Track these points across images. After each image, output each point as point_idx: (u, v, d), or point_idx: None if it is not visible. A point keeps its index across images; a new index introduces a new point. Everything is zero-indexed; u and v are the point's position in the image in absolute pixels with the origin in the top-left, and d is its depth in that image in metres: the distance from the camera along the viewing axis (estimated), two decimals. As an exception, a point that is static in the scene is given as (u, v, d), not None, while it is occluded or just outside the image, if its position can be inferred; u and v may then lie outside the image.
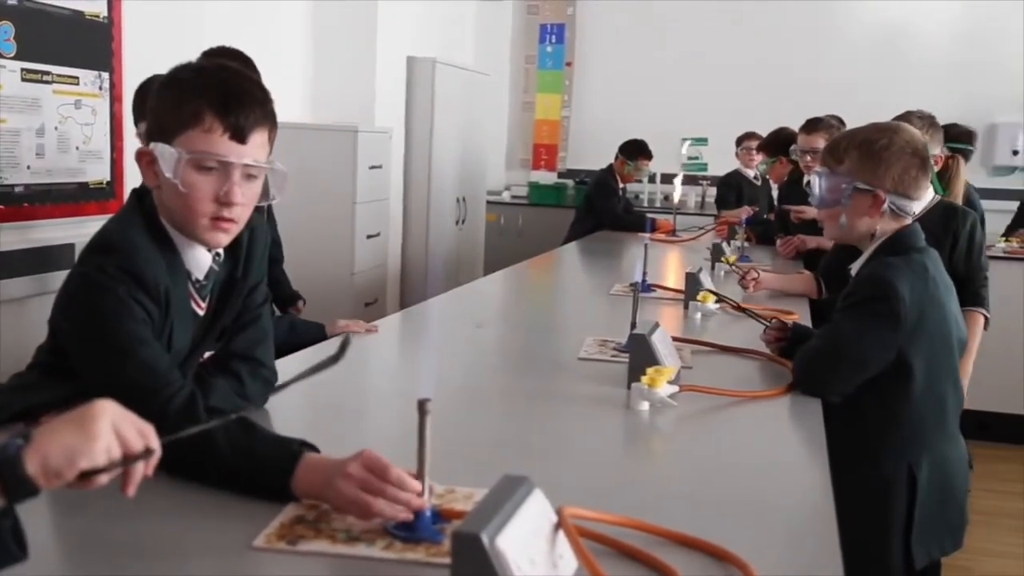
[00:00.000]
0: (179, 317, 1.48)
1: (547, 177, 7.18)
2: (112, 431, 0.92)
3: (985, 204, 3.71)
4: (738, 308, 2.70)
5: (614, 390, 1.91)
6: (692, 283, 2.87)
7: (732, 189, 5.63)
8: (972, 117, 5.43)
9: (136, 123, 2.63)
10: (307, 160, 4.01)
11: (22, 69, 2.69)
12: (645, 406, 1.79)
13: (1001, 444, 4.92)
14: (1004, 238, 5.30)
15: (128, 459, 0.93)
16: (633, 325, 2.16)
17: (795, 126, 4.20)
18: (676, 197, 5.11)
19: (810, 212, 3.85)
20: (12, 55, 2.66)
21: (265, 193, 1.48)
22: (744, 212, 5.09)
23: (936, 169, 2.83)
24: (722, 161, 6.08)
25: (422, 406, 1.06)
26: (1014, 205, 5.65)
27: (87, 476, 0.90)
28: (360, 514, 1.15)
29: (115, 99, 3.06)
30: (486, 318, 2.91)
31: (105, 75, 3.02)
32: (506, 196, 7.08)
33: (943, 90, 6.10)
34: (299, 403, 1.81)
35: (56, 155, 2.85)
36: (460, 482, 1.30)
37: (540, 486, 1.04)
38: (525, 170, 7.30)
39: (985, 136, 6.21)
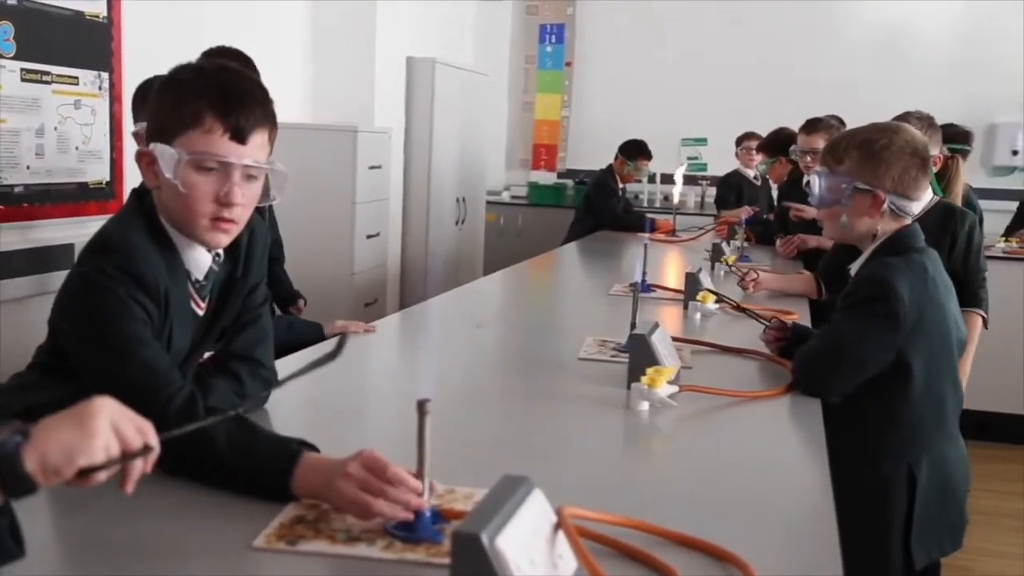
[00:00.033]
0: (179, 317, 1.48)
1: (547, 177, 7.19)
2: (111, 428, 0.92)
3: (985, 204, 3.72)
4: (738, 308, 2.70)
5: (614, 390, 1.91)
6: (692, 283, 2.87)
7: (732, 189, 5.64)
8: (972, 117, 5.44)
9: (135, 123, 2.63)
10: (307, 160, 4.02)
11: (22, 69, 2.69)
12: (645, 406, 1.79)
13: (1001, 444, 4.92)
14: (1004, 238, 5.30)
15: (127, 456, 0.93)
16: (633, 325, 2.16)
17: (795, 126, 4.21)
18: (676, 197, 5.11)
19: (810, 212, 3.85)
20: (12, 55, 2.66)
21: (265, 194, 1.48)
22: (744, 212, 5.09)
23: (935, 170, 2.83)
24: (722, 161, 6.08)
25: (422, 406, 1.06)
26: (1014, 205, 5.65)
27: (86, 473, 0.90)
28: (360, 514, 1.15)
29: (115, 99, 3.06)
30: (486, 318, 2.91)
31: (105, 75, 3.02)
32: (506, 196, 7.09)
33: (943, 90, 6.11)
34: (299, 403, 1.81)
35: (56, 155, 2.85)
36: (460, 482, 1.30)
37: (540, 486, 1.04)
38: (525, 170, 7.30)
39: (985, 136, 6.22)
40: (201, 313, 1.55)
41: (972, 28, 6.36)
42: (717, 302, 2.81)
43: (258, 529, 1.15)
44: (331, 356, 1.11)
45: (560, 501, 1.06)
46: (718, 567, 1.11)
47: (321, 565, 1.09)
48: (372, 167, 4.49)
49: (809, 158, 3.89)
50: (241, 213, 1.44)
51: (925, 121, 3.05)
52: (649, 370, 1.80)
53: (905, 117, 2.95)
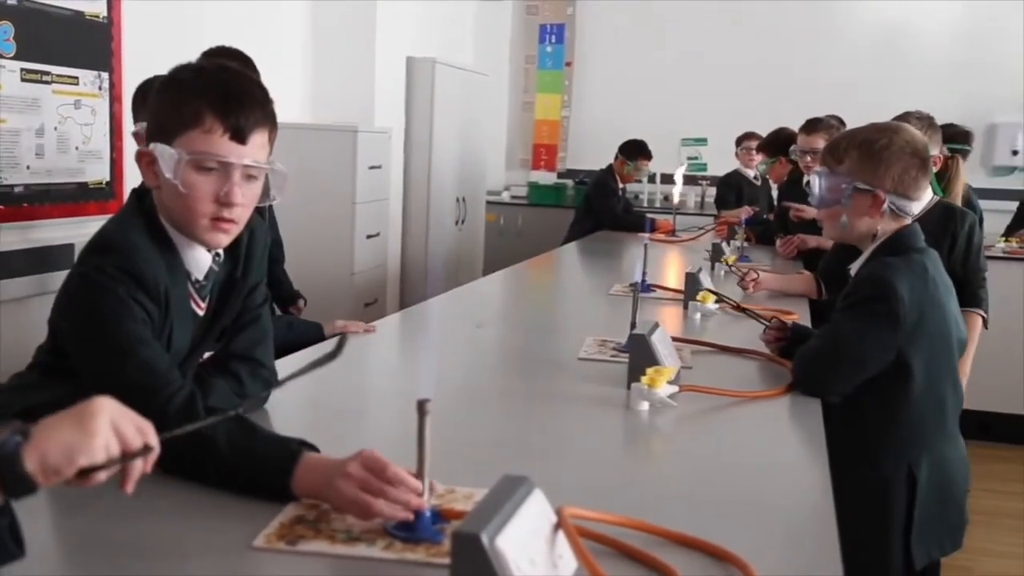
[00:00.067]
0: (179, 317, 1.48)
1: (547, 177, 7.19)
2: (111, 428, 0.92)
3: (985, 204, 3.72)
4: (738, 308, 2.70)
5: (614, 390, 1.91)
6: (692, 283, 2.87)
7: (732, 189, 5.64)
8: (972, 117, 5.44)
9: (135, 123, 2.63)
10: (307, 160, 4.02)
11: (22, 69, 2.69)
12: (645, 406, 1.79)
13: (1001, 444, 4.92)
14: (1004, 238, 5.30)
15: (127, 456, 0.93)
16: (633, 325, 2.16)
17: (795, 126, 4.21)
18: (676, 197, 5.11)
19: (810, 212, 3.85)
20: (12, 55, 2.66)
21: (265, 194, 1.48)
22: (744, 212, 5.09)
23: (935, 170, 2.83)
24: (722, 161, 6.08)
25: (422, 406, 1.06)
26: (1014, 205, 5.64)
27: (86, 473, 0.90)
28: (360, 514, 1.15)
29: (115, 99, 3.06)
30: (486, 318, 2.91)
31: (105, 75, 3.02)
32: (506, 196, 7.09)
33: (943, 90, 6.11)
34: (299, 403, 1.81)
35: (56, 155, 2.85)
36: (460, 482, 1.30)
37: (540, 486, 1.04)
38: (525, 170, 7.31)
39: (985, 136, 6.22)
40: (201, 313, 1.55)
41: (972, 28, 6.36)
42: (717, 302, 2.81)
43: (258, 529, 1.15)
44: (331, 356, 1.11)
45: (560, 501, 1.06)
46: (718, 567, 1.11)
47: (321, 565, 1.09)
48: (372, 167, 4.49)
49: (809, 158, 3.89)
50: (241, 213, 1.44)
51: (925, 121, 3.05)
52: (649, 370, 1.80)
53: (905, 117, 2.95)
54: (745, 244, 4.27)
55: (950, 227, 2.77)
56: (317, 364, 1.10)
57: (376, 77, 4.74)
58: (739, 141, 5.77)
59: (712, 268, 3.62)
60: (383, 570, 1.08)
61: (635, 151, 5.62)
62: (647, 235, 3.06)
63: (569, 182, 7.04)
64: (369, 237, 4.55)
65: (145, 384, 1.33)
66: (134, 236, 1.43)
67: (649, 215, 5.50)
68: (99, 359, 1.38)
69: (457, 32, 6.60)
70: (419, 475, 1.13)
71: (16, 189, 2.71)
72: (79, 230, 2.83)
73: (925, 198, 2.28)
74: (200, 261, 1.51)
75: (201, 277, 1.52)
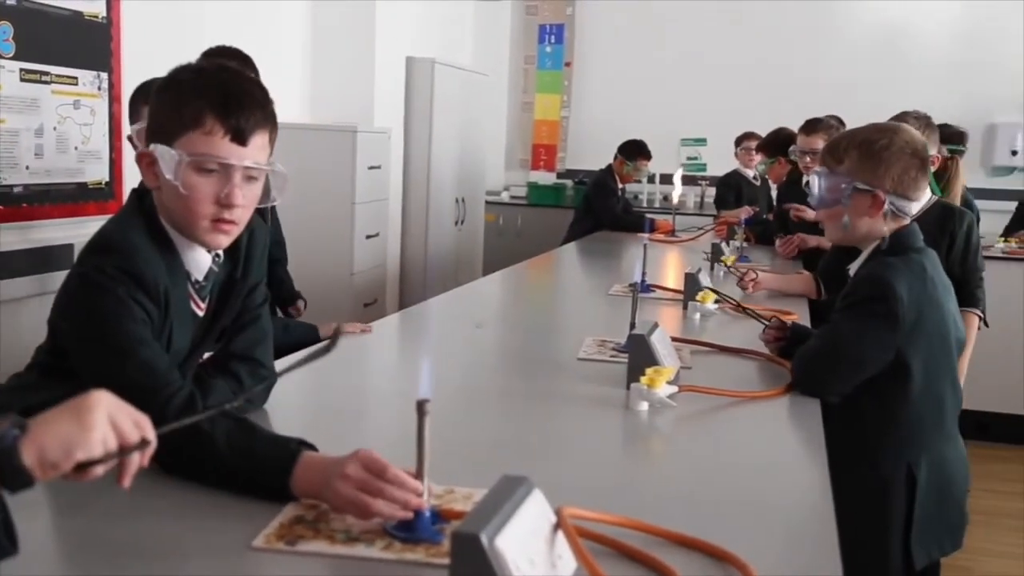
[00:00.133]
0: (178, 318, 1.48)
1: (546, 177, 7.19)
2: (108, 422, 0.92)
3: (984, 204, 3.73)
4: (738, 307, 2.70)
5: (613, 390, 1.91)
6: (691, 283, 2.87)
7: (731, 189, 5.64)
8: (971, 117, 5.45)
9: (131, 125, 2.63)
10: (306, 160, 4.02)
11: (21, 69, 2.69)
12: (644, 406, 1.79)
13: (1000, 444, 4.93)
14: (1003, 239, 5.30)
15: (124, 450, 0.93)
16: (632, 325, 2.16)
17: (794, 126, 4.21)
18: (675, 197, 5.11)
19: (810, 214, 3.85)
20: (11, 55, 2.66)
21: (266, 195, 1.48)
22: (744, 212, 5.09)
23: (932, 169, 2.83)
24: (721, 161, 6.08)
25: (421, 407, 1.06)
26: (1013, 205, 5.65)
27: (83, 467, 0.90)
28: (358, 514, 1.16)
29: (114, 99, 3.06)
30: (485, 318, 2.91)
31: (104, 75, 3.02)
32: (505, 196, 7.09)
33: (943, 90, 6.11)
34: (299, 403, 1.81)
35: (55, 155, 2.85)
36: (459, 482, 1.30)
37: (539, 486, 1.05)
38: (524, 170, 7.31)
39: (984, 136, 6.22)
40: (201, 313, 1.55)
41: (972, 28, 6.36)
42: (717, 302, 2.81)
43: (258, 529, 1.15)
44: (326, 350, 1.11)
45: (559, 501, 1.07)
46: (717, 567, 1.11)
47: (320, 565, 1.10)
48: (371, 167, 4.49)
49: (808, 158, 3.89)
50: (241, 214, 1.44)
51: (923, 121, 3.05)
52: (648, 370, 1.81)
53: (903, 117, 2.95)
54: (744, 244, 4.27)
55: (948, 227, 2.77)
56: (312, 358, 1.10)
57: (375, 77, 4.75)
58: (739, 141, 5.77)
59: (712, 268, 3.62)
60: (382, 570, 1.08)
61: (634, 151, 5.62)
62: (646, 235, 3.06)
63: (568, 182, 7.05)
64: (368, 237, 4.55)
65: (145, 384, 1.33)
66: (134, 236, 1.43)
67: (648, 215, 5.49)
68: (99, 359, 1.38)
69: (457, 32, 6.60)
70: (418, 475, 1.13)
71: (15, 189, 2.71)
72: (79, 230, 2.83)
73: (924, 198, 2.29)
74: (200, 262, 1.51)
75: (201, 278, 1.52)
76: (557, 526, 1.03)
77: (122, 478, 0.96)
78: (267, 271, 1.73)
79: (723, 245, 3.93)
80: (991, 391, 4.65)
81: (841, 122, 3.95)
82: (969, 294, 2.87)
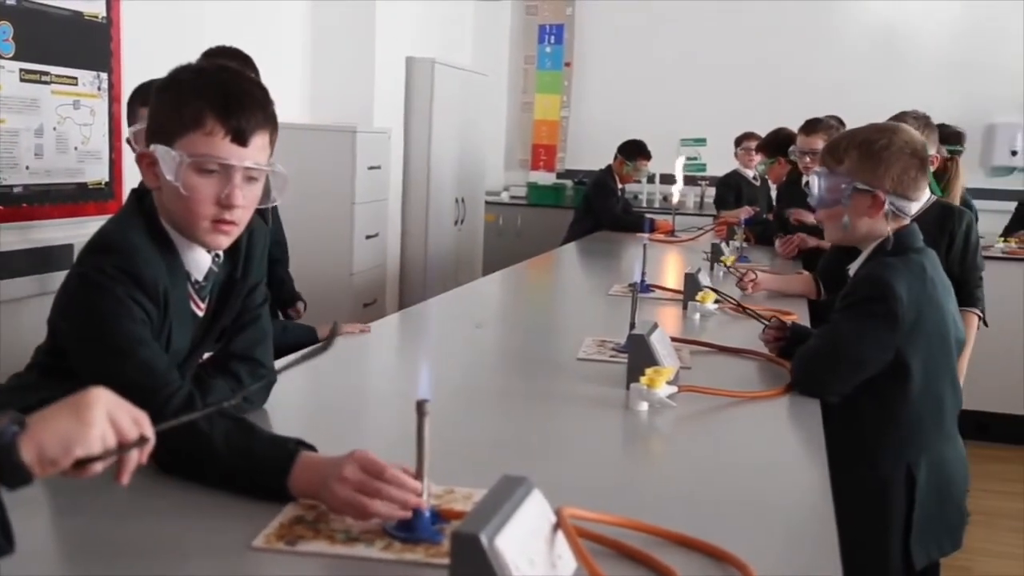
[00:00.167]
0: (178, 318, 1.48)
1: (546, 177, 7.19)
2: (107, 419, 0.92)
3: (983, 205, 3.73)
4: (738, 307, 2.71)
5: (613, 390, 1.91)
6: (691, 283, 2.87)
7: (731, 189, 5.63)
8: (971, 117, 5.45)
9: (129, 127, 2.62)
10: (306, 161, 4.01)
11: (21, 69, 2.69)
12: (644, 406, 1.79)
13: (1000, 444, 4.92)
14: (1002, 238, 5.30)
15: (123, 447, 0.93)
16: (632, 325, 2.16)
17: (794, 126, 4.21)
18: (675, 197, 5.11)
19: (809, 218, 3.86)
20: (11, 55, 2.65)
21: (266, 195, 1.48)
22: (744, 212, 5.10)
23: (932, 170, 2.83)
24: (721, 161, 6.08)
25: (421, 407, 1.07)
26: (1012, 206, 5.65)
27: (82, 464, 0.90)
28: (356, 515, 1.16)
29: (113, 99, 3.06)
30: (485, 318, 2.92)
31: (104, 75, 3.02)
32: (505, 196, 7.09)
33: (942, 90, 6.12)
34: (299, 403, 1.81)
35: (55, 155, 2.85)
36: (459, 482, 1.30)
37: (539, 486, 1.05)
38: (524, 170, 7.31)
39: (984, 136, 6.22)
40: (201, 314, 1.55)
41: (971, 28, 6.36)
42: (716, 302, 2.81)
43: (257, 529, 1.15)
44: (323, 348, 1.11)
45: (559, 501, 1.07)
46: (717, 567, 1.11)
47: (320, 565, 1.10)
48: (371, 167, 4.49)
49: (808, 159, 3.89)
50: (242, 215, 1.44)
51: (921, 120, 3.05)
52: (648, 370, 1.81)
53: (901, 117, 2.95)
54: (744, 244, 4.27)
55: (947, 226, 2.77)
56: (310, 355, 1.10)
57: (375, 77, 4.75)
58: (738, 141, 5.77)
59: (711, 268, 3.62)
60: (382, 570, 1.08)
61: (634, 151, 5.62)
62: (646, 235, 3.07)
63: (568, 182, 7.05)
64: (368, 237, 4.55)
65: (144, 384, 1.33)
66: (133, 236, 1.43)
67: (648, 215, 5.49)
68: (98, 359, 1.38)
69: (456, 32, 6.60)
70: (418, 476, 1.13)
71: (15, 189, 2.71)
72: (78, 230, 2.83)
73: (923, 198, 2.29)
74: (200, 262, 1.51)
75: (201, 278, 1.52)
76: (557, 526, 1.04)
77: (120, 475, 0.96)
78: (268, 271, 1.74)
79: (723, 245, 3.93)
80: (991, 391, 4.65)
81: (841, 122, 3.95)
82: (968, 294, 2.87)
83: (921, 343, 1.93)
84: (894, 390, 1.95)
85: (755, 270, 3.34)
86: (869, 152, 1.99)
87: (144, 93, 2.32)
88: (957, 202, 3.19)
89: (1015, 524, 3.99)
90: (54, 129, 2.83)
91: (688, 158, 6.82)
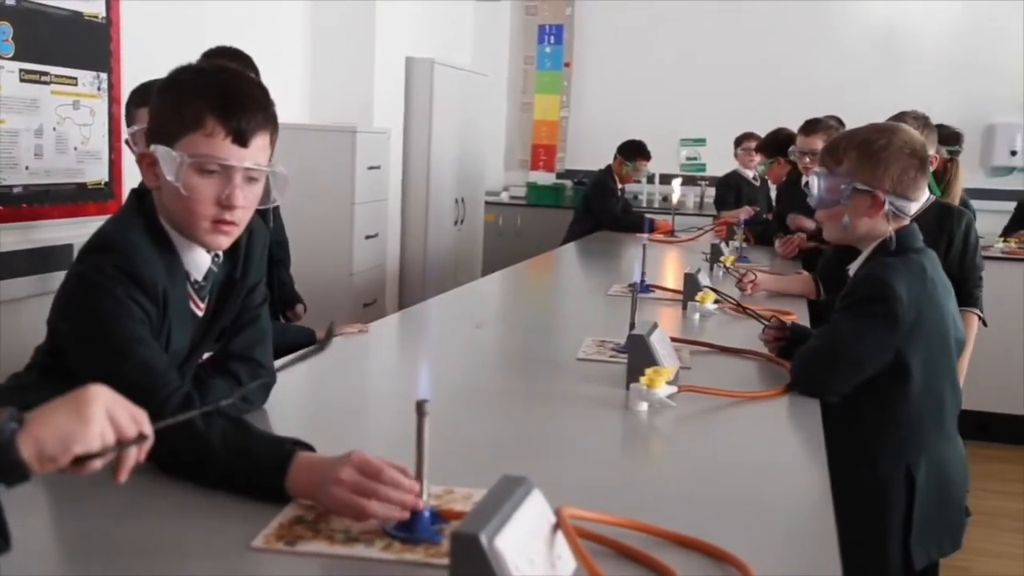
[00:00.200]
0: (177, 318, 1.48)
1: (545, 178, 7.19)
2: (106, 416, 0.92)
3: (983, 205, 3.73)
4: (738, 307, 2.71)
5: (613, 391, 1.91)
6: (691, 284, 2.87)
7: (731, 190, 5.64)
8: (970, 117, 5.45)
9: (127, 128, 2.62)
10: (306, 161, 4.01)
11: (20, 70, 2.69)
12: (644, 407, 1.79)
13: (1000, 444, 4.93)
14: (1002, 239, 5.30)
15: (121, 444, 0.93)
16: (632, 326, 2.16)
17: (794, 127, 4.21)
18: (675, 198, 5.11)
19: (809, 224, 3.86)
20: (10, 56, 2.66)
21: (266, 196, 1.48)
22: (744, 212, 5.10)
23: (931, 170, 2.83)
24: (721, 162, 6.09)
25: (420, 407, 1.07)
26: (1012, 206, 5.65)
27: (81, 461, 0.90)
28: (354, 517, 1.15)
29: (113, 100, 3.06)
30: (485, 319, 2.92)
31: (103, 76, 3.02)
32: (504, 197, 7.09)
33: (942, 90, 6.12)
34: (298, 404, 1.81)
35: (54, 156, 2.85)
36: (459, 482, 1.30)
37: (539, 486, 1.05)
38: (523, 171, 7.31)
39: (983, 136, 6.22)
40: (200, 314, 1.55)
41: (971, 28, 6.36)
42: (716, 302, 2.81)
43: (257, 529, 1.15)
44: (320, 347, 1.12)
45: (559, 501, 1.07)
46: (717, 567, 1.11)
47: (320, 566, 1.10)
48: (371, 167, 4.49)
49: (808, 159, 3.89)
50: (242, 215, 1.44)
51: (921, 121, 3.05)
52: (648, 370, 1.81)
53: (901, 117, 2.96)
54: (744, 245, 4.27)
55: (947, 226, 2.77)
56: (307, 355, 1.10)
57: (375, 77, 4.75)
58: (738, 142, 5.77)
59: (711, 269, 3.62)
60: (382, 570, 1.08)
61: (634, 151, 5.62)
62: (646, 235, 3.07)
63: (568, 182, 7.05)
64: (368, 238, 4.55)
65: (143, 384, 1.33)
66: (133, 236, 1.43)
67: (648, 215, 5.49)
68: (97, 358, 1.38)
69: (456, 32, 6.60)
70: (418, 476, 1.13)
71: (15, 190, 2.71)
72: (78, 230, 2.83)
73: (923, 198, 2.29)
74: (199, 262, 1.51)
75: (200, 278, 1.52)
76: (557, 526, 1.04)
77: (119, 473, 0.96)
78: (269, 272, 1.74)
79: (722, 245, 3.93)
80: (991, 391, 4.65)
81: (840, 122, 3.95)
82: (968, 294, 2.87)
83: (921, 343, 1.93)
84: (894, 390, 1.95)
85: (755, 270, 3.34)
86: (868, 152, 1.99)
87: (141, 95, 2.32)
88: (956, 203, 3.20)
89: (1015, 524, 3.99)
90: (54, 129, 2.83)
91: (688, 158, 6.82)
